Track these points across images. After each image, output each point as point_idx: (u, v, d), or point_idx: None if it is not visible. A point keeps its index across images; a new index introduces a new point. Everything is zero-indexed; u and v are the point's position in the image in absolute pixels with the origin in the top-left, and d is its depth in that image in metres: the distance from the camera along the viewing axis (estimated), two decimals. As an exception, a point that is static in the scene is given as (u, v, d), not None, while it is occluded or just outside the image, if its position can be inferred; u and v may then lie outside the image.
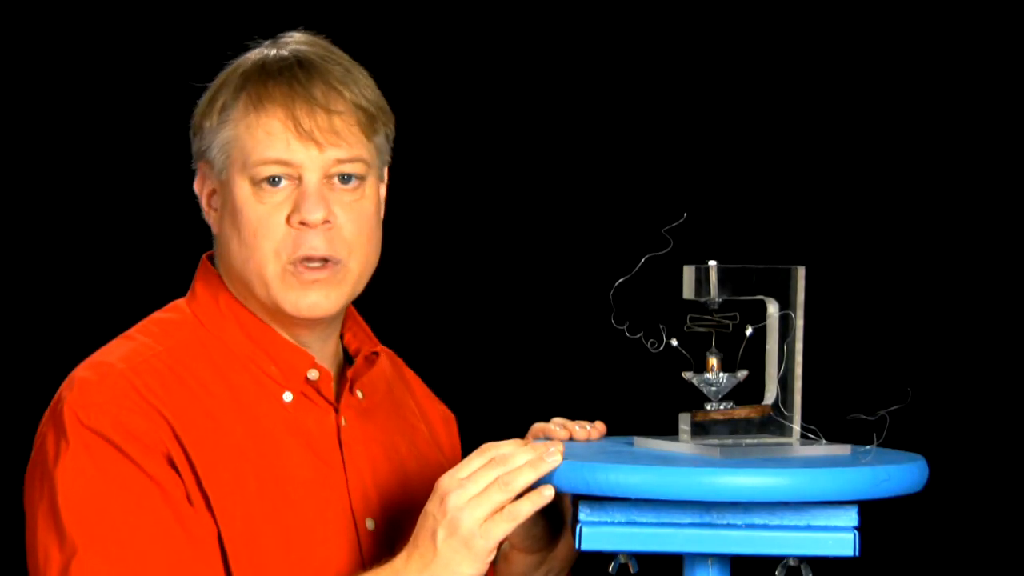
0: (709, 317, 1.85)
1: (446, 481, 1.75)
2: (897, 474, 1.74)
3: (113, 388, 1.81)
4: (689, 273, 1.85)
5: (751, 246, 3.02)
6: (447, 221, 3.33)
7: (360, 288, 1.94)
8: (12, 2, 3.18)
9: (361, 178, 1.91)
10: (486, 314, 3.33)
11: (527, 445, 1.77)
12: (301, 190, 1.87)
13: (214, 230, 1.95)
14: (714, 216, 3.07)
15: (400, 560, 1.77)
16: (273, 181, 1.87)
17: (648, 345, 1.84)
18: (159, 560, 1.75)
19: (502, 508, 1.74)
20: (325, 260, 1.88)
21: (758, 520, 1.75)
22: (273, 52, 1.92)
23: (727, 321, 1.85)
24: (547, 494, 1.75)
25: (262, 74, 1.89)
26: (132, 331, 1.92)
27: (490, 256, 3.29)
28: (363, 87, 1.92)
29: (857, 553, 1.74)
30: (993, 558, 3.24)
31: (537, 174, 3.32)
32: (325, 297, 1.89)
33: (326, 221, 1.87)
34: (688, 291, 1.85)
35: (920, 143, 3.26)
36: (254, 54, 1.93)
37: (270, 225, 1.87)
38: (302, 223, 1.86)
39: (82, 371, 1.85)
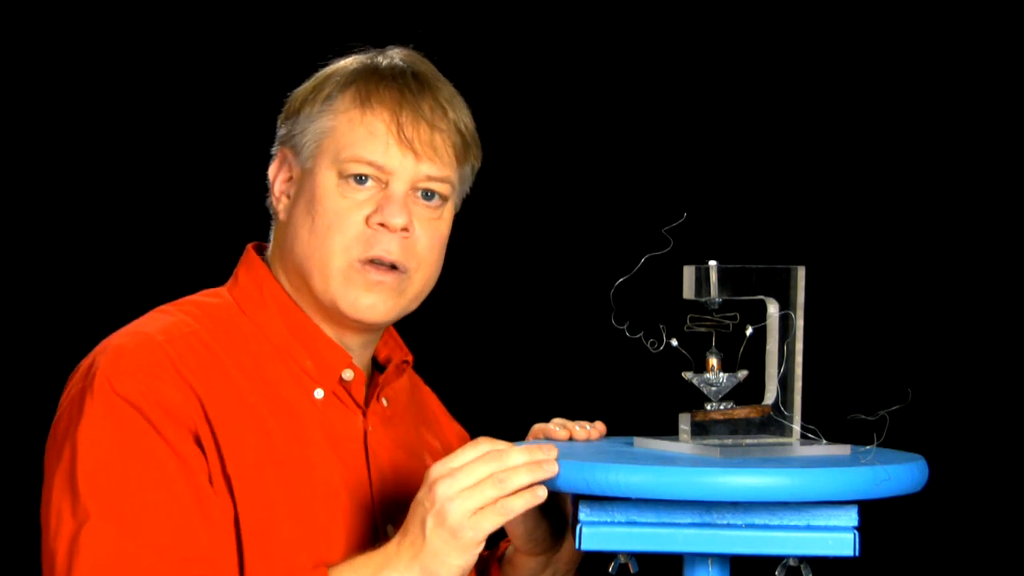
0: (709, 317, 1.85)
1: (437, 469, 1.74)
2: (897, 474, 1.74)
3: (149, 358, 1.80)
4: (689, 273, 1.85)
5: (751, 246, 3.02)
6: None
7: (413, 306, 1.94)
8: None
9: (444, 199, 1.93)
10: (486, 314, 3.33)
11: (523, 447, 1.76)
12: (386, 194, 1.88)
13: (281, 217, 1.94)
14: (714, 216, 3.07)
15: (392, 546, 1.76)
16: (360, 179, 1.88)
17: (648, 345, 1.84)
18: (171, 534, 1.73)
19: (494, 502, 1.72)
20: (394, 266, 1.88)
21: (758, 520, 1.75)
22: (384, 59, 1.94)
23: (727, 321, 1.85)
24: (540, 494, 1.73)
25: (374, 74, 1.91)
26: (170, 307, 1.91)
27: (490, 256, 3.29)
28: (465, 114, 1.96)
29: (857, 553, 1.74)
30: (993, 558, 3.24)
31: (537, 174, 3.32)
32: (383, 302, 1.89)
33: (404, 229, 1.88)
34: (688, 291, 1.85)
35: (920, 143, 3.26)
36: (363, 56, 1.95)
37: (348, 221, 1.88)
38: (382, 224, 1.87)
39: (119, 338, 1.84)
